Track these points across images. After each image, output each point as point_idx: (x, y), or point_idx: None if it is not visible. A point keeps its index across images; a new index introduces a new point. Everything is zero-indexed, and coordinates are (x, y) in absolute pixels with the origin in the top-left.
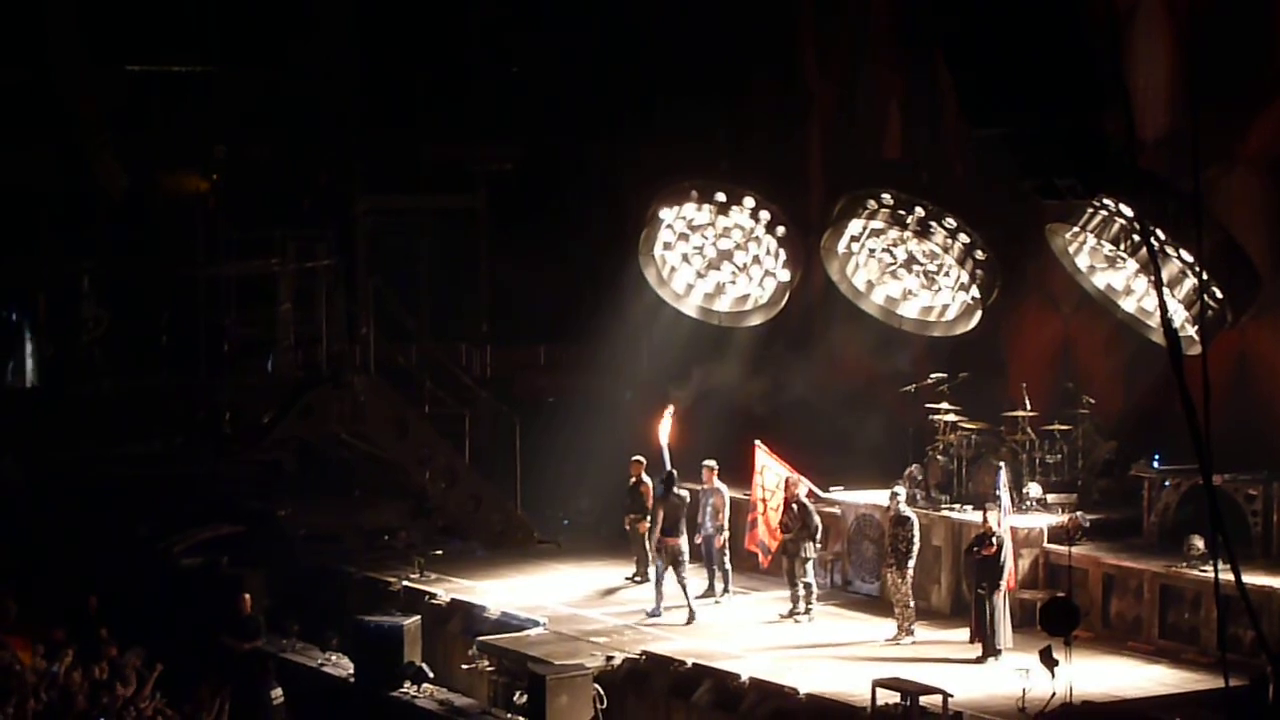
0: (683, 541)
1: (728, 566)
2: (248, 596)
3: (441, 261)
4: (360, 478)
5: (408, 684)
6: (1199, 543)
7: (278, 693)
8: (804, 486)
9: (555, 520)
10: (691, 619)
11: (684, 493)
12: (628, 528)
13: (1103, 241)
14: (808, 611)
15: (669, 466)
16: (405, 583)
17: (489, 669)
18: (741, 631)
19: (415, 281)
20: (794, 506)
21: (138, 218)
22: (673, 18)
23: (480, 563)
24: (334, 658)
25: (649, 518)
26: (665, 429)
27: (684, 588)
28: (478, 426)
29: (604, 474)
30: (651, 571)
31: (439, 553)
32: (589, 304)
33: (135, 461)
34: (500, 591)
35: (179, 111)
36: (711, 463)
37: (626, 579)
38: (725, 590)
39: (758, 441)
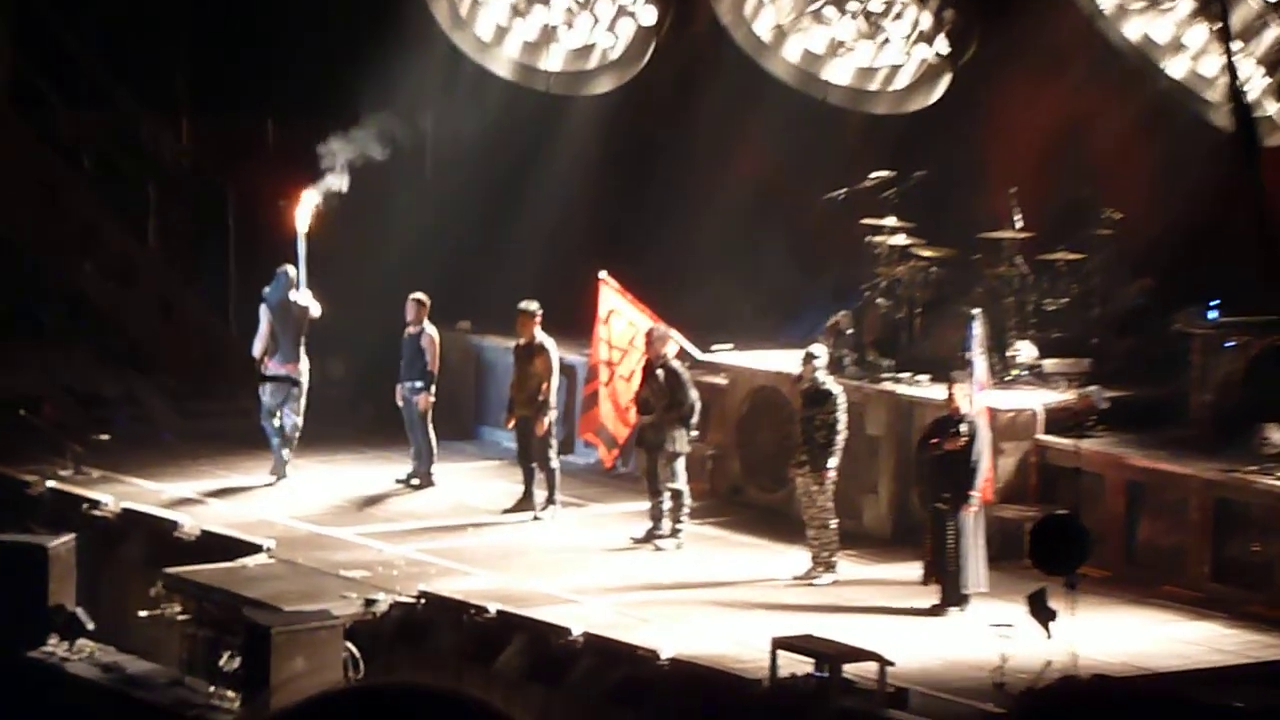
0: (302, 368)
1: (554, 464)
2: None
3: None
4: None
5: (54, 639)
6: (1276, 435)
7: None
8: (673, 344)
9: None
10: (277, 476)
11: (307, 301)
12: (400, 402)
13: None
14: (676, 534)
15: (301, 262)
16: (52, 483)
17: (182, 616)
18: (574, 564)
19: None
20: (658, 373)
21: None
22: None
23: (171, 453)
24: None
25: (428, 386)
26: (305, 213)
27: (284, 437)
28: (167, 227)
29: (366, 322)
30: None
31: (105, 436)
32: (348, 63)
33: None
34: (203, 498)
35: None
36: (532, 306)
37: (399, 481)
38: (550, 501)
39: (604, 274)
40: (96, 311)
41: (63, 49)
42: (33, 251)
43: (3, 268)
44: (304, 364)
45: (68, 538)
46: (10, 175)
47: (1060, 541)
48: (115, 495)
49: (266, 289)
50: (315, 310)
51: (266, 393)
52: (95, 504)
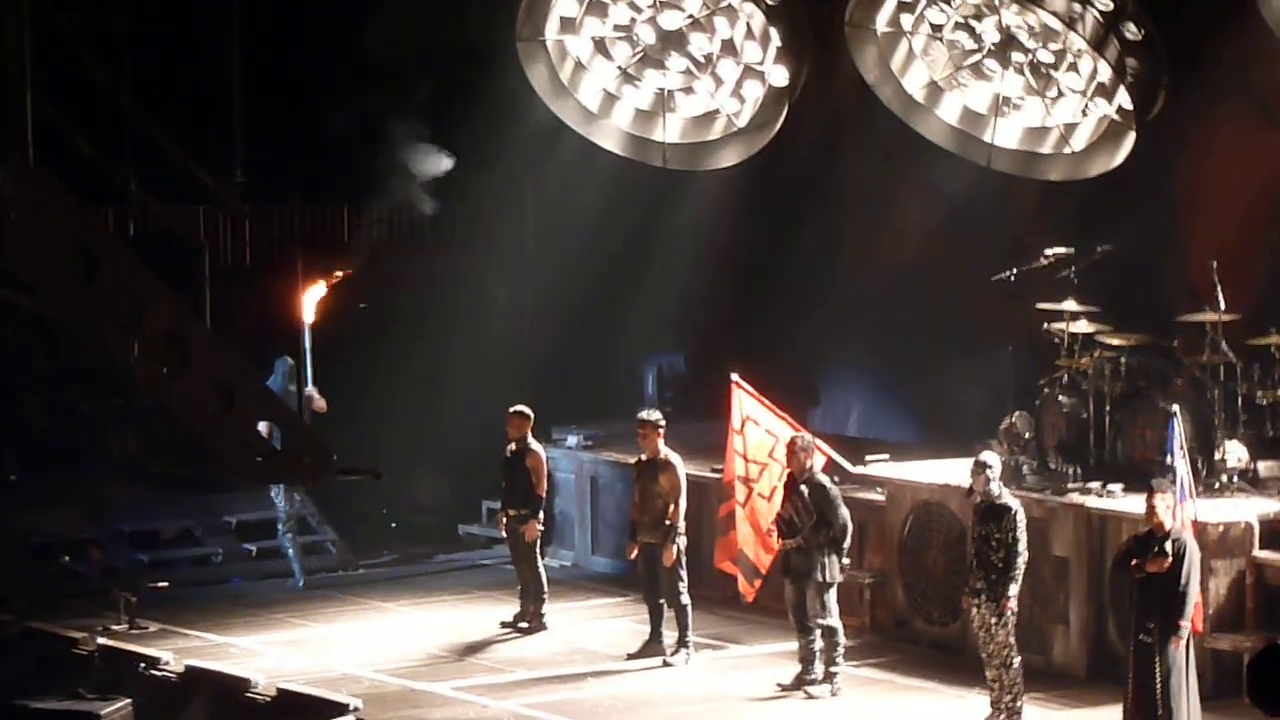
0: None
1: (685, 599)
2: None
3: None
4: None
5: None
6: None
7: None
8: (819, 456)
9: (375, 516)
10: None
11: (312, 393)
12: (503, 532)
13: None
14: (830, 678)
15: (307, 354)
16: (102, 639)
17: None
18: (712, 716)
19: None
20: (802, 489)
21: None
22: None
23: (240, 599)
24: None
25: (535, 513)
26: (312, 301)
27: (290, 533)
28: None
29: (458, 438)
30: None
31: (162, 583)
32: (427, 136)
33: None
34: (278, 650)
35: None
36: (654, 415)
37: (504, 624)
38: (682, 643)
39: (736, 376)
40: (143, 391)
41: (100, 101)
42: (72, 330)
43: (38, 352)
44: None
45: (123, 703)
46: (44, 236)
47: None
48: (176, 651)
49: (266, 382)
50: (320, 404)
51: (281, 497)
52: (153, 662)
